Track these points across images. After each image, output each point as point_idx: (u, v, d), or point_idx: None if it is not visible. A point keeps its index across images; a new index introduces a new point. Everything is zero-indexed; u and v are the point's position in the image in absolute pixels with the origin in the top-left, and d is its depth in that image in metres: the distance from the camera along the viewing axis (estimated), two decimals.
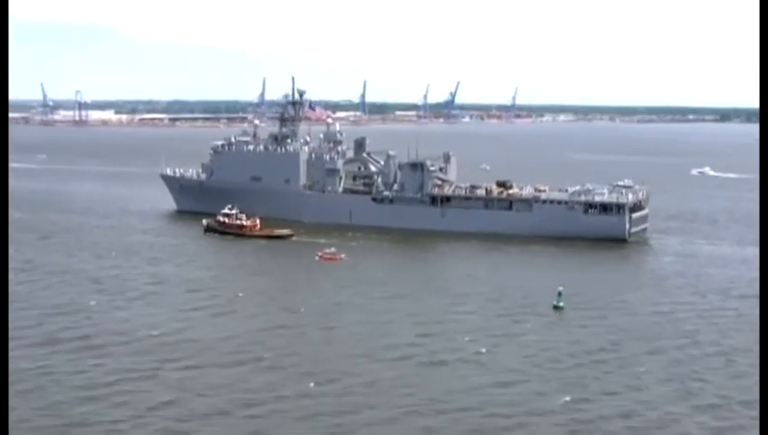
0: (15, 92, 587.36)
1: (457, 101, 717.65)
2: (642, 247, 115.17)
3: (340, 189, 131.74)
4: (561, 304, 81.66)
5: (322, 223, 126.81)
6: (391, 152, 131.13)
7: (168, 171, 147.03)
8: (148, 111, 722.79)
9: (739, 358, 66.32)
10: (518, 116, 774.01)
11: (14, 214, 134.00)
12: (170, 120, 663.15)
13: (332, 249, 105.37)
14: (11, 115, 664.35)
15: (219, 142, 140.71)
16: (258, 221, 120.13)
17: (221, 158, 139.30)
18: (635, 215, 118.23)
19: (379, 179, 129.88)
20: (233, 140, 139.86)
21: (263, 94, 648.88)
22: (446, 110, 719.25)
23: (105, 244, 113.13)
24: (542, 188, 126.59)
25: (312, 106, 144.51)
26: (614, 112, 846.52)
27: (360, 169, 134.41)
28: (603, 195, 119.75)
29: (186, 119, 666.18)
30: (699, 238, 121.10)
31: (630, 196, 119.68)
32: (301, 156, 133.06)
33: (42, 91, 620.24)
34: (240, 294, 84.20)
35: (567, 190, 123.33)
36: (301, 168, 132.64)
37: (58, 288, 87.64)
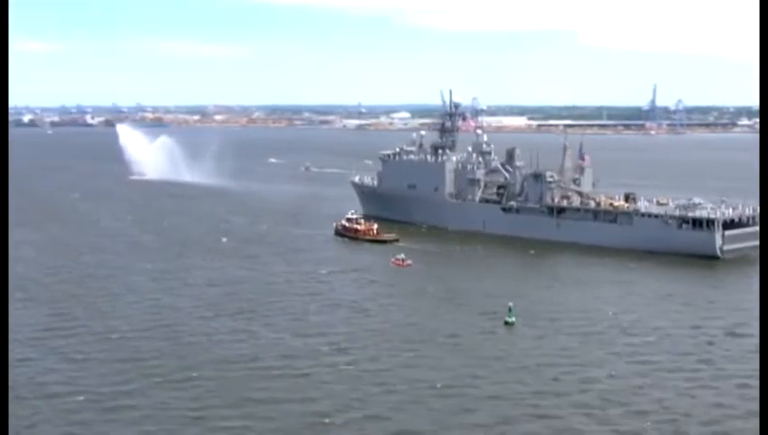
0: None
1: None
2: (730, 267, 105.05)
3: (478, 199, 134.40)
4: (512, 319, 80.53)
5: (463, 230, 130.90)
6: (518, 163, 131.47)
7: (356, 179, 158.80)
8: (561, 118, 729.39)
9: None
10: None
11: (235, 219, 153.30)
12: (565, 126, 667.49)
13: (402, 255, 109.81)
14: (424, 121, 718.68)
15: (387, 152, 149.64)
16: (375, 226, 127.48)
17: (387, 166, 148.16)
18: (733, 231, 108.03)
19: (508, 189, 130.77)
20: (397, 149, 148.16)
21: (653, 100, 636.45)
22: None
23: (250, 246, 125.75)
24: (662, 201, 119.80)
25: (464, 117, 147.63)
26: None
27: (505, 178, 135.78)
28: (705, 209, 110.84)
29: (579, 126, 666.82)
30: None
31: (729, 211, 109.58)
32: (447, 166, 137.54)
33: (441, 98, 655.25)
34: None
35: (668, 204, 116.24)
36: (447, 177, 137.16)
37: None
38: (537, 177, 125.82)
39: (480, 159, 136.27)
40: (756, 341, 71.67)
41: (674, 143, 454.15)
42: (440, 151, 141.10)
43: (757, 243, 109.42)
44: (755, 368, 64.75)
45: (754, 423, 54.28)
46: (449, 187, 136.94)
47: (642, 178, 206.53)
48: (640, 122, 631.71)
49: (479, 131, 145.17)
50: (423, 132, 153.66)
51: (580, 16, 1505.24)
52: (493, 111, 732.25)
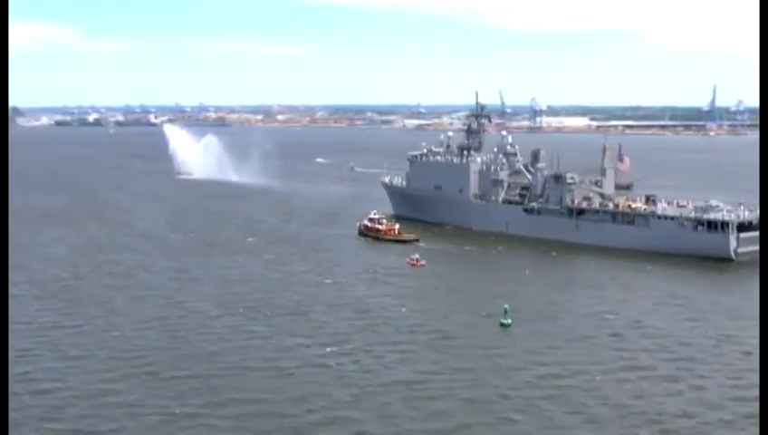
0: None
1: None
2: (743, 269, 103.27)
3: (501, 200, 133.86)
4: (507, 321, 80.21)
5: (487, 231, 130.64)
6: (540, 164, 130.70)
7: (386, 180, 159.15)
8: (624, 119, 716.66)
9: None
10: None
11: (269, 219, 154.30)
12: (623, 127, 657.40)
13: (416, 255, 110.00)
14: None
15: (415, 153, 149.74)
16: (397, 226, 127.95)
17: (414, 167, 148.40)
18: (748, 234, 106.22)
19: (531, 191, 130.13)
20: (424, 150, 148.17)
21: (713, 101, 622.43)
22: None
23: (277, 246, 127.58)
24: (682, 203, 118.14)
25: (489, 119, 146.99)
26: None
27: (528, 180, 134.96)
28: (721, 211, 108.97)
29: (638, 127, 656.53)
30: None
31: (745, 213, 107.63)
32: (471, 167, 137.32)
33: (500, 98, 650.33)
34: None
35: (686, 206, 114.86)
36: (471, 178, 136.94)
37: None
38: (557, 178, 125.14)
39: (505, 160, 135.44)
40: (748, 347, 70.67)
41: (734, 144, 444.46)
42: (466, 152, 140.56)
43: None
44: (740, 374, 63.97)
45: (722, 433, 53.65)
46: (474, 188, 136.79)
47: (693, 179, 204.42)
48: (701, 123, 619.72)
49: (504, 132, 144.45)
50: (450, 133, 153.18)
51: (646, 16, 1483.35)
52: (556, 112, 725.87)
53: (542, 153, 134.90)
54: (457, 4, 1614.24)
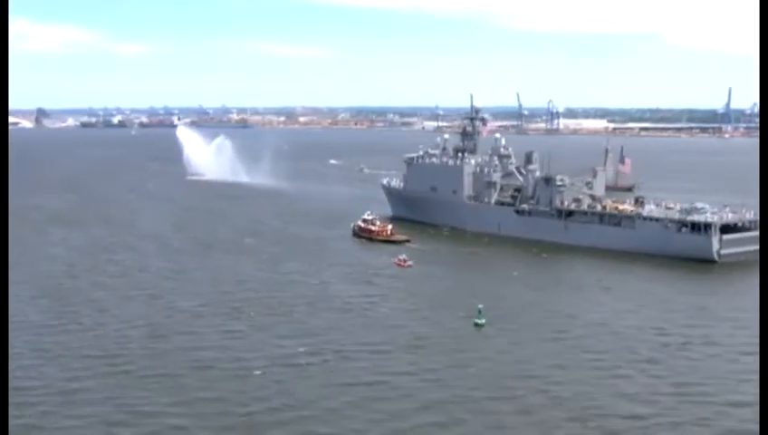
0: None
1: None
2: (725, 271, 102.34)
3: (493, 201, 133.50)
4: (482, 321, 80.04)
5: (481, 232, 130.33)
6: (531, 166, 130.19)
7: (385, 182, 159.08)
8: (643, 121, 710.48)
9: None
10: None
11: (272, 221, 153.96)
12: (640, 129, 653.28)
13: (403, 256, 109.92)
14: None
15: (412, 155, 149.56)
16: (389, 227, 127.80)
17: (411, 169, 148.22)
18: (731, 235, 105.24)
19: (522, 193, 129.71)
20: (420, 153, 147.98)
21: (728, 103, 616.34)
22: None
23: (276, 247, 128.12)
24: (670, 205, 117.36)
25: (484, 122, 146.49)
26: None
27: (521, 182, 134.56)
28: (705, 214, 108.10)
29: (654, 129, 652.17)
30: None
31: (728, 215, 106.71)
32: (465, 169, 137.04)
33: (517, 100, 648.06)
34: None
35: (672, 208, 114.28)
36: (465, 180, 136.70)
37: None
38: (548, 180, 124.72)
39: (498, 162, 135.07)
40: (716, 350, 70.29)
41: (749, 146, 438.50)
42: (461, 155, 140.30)
43: (757, 247, 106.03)
44: (702, 377, 63.53)
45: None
46: (467, 189, 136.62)
47: (700, 181, 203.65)
48: (716, 125, 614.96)
49: (497, 135, 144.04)
50: (447, 136, 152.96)
51: (666, 17, 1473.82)
52: (575, 114, 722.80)
53: (535, 155, 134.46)
54: (478, 6, 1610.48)
